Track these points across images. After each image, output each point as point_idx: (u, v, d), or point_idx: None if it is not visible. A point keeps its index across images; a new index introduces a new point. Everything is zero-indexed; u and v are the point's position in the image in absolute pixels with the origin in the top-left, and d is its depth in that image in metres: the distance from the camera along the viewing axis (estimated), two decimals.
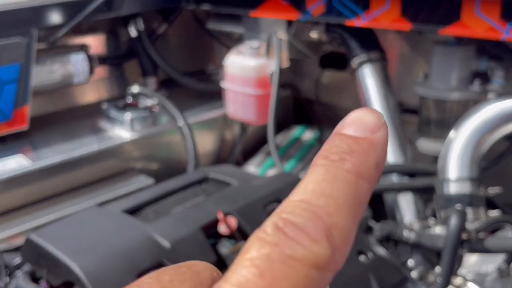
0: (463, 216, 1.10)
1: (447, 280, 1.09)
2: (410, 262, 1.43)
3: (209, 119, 1.99)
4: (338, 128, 0.32)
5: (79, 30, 2.01)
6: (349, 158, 0.29)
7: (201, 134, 1.97)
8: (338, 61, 2.01)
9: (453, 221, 1.09)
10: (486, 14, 1.31)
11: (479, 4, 1.31)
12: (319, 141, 1.94)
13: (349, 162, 0.29)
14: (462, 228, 1.09)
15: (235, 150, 1.98)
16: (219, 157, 2.05)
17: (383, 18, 1.50)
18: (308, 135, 2.10)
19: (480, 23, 1.33)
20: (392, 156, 1.61)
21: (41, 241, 1.01)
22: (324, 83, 2.22)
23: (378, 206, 1.67)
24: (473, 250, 1.18)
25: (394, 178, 1.58)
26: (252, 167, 1.88)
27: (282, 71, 1.87)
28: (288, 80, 2.22)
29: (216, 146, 2.03)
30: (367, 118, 0.31)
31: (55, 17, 1.74)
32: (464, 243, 1.16)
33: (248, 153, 2.07)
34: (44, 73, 1.82)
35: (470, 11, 1.33)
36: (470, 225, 1.18)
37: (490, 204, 1.67)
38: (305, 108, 2.19)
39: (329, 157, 0.30)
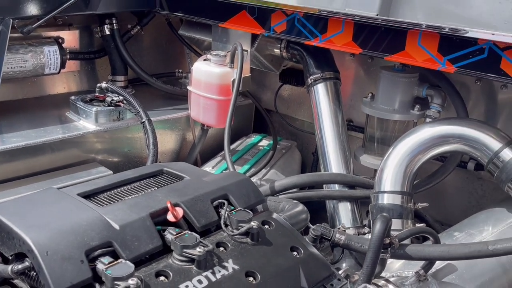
0: (386, 223, 1.23)
1: (369, 279, 1.21)
2: (343, 262, 1.57)
3: (172, 118, 2.09)
4: None
5: (54, 23, 2.09)
6: None
7: (163, 133, 2.07)
8: (296, 76, 2.15)
9: (377, 226, 1.22)
10: (426, 46, 1.47)
11: (421, 37, 1.47)
12: (273, 149, 2.07)
13: None
14: (385, 233, 1.22)
15: (194, 150, 2.08)
16: (179, 156, 2.15)
17: (337, 41, 1.65)
18: (264, 143, 2.22)
19: (421, 54, 1.48)
20: (336, 168, 1.75)
21: None
22: (283, 95, 2.36)
23: (321, 212, 1.81)
24: (395, 255, 1.32)
25: (336, 188, 1.71)
26: (209, 168, 1.99)
27: (248, 79, 2.00)
28: (251, 91, 2.35)
29: (176, 145, 2.14)
30: None
31: (32, 9, 1.82)
32: (387, 248, 1.29)
33: (207, 155, 2.18)
34: (16, 61, 1.89)
35: (413, 42, 1.49)
36: (394, 233, 1.32)
37: (421, 218, 1.84)
38: (263, 118, 2.32)
39: None
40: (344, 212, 1.69)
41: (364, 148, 1.88)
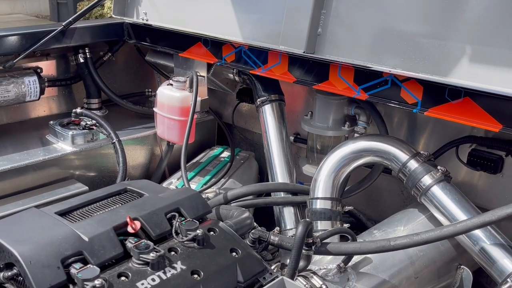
0: (307, 227, 1.51)
1: (293, 272, 1.50)
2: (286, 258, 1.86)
3: (141, 136, 2.37)
4: None
5: (33, 55, 2.34)
6: None
7: (134, 149, 2.35)
8: (251, 96, 2.43)
9: (299, 229, 1.51)
10: (345, 77, 1.76)
11: (340, 69, 1.76)
12: (231, 161, 2.35)
13: None
14: (305, 235, 1.51)
15: (162, 164, 2.36)
16: (149, 169, 2.43)
17: (276, 71, 1.93)
18: (225, 154, 2.50)
19: (341, 83, 1.77)
20: (281, 177, 2.03)
21: None
22: (242, 111, 2.64)
23: (270, 216, 2.10)
24: (318, 252, 1.61)
25: (282, 195, 2.00)
26: (174, 180, 2.27)
27: (206, 101, 2.28)
28: (214, 108, 2.63)
29: (146, 160, 2.41)
30: None
31: (12, 46, 2.08)
32: (311, 246, 1.58)
33: (174, 167, 2.45)
34: (0, 92, 2.15)
35: (334, 74, 1.78)
36: (317, 234, 1.61)
37: (356, 218, 2.13)
38: (223, 132, 2.60)
39: None
40: (288, 216, 1.97)
41: (307, 159, 2.17)
